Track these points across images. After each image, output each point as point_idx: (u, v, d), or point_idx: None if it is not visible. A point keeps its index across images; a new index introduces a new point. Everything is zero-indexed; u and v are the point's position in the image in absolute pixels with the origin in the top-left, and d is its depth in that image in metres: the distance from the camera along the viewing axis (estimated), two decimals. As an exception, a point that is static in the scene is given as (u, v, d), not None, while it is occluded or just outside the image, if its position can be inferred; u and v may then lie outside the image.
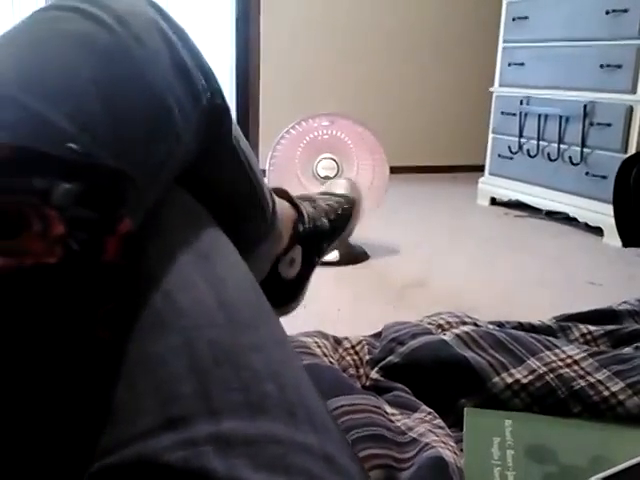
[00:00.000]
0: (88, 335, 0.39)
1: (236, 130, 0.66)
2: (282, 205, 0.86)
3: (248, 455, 0.37)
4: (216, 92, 0.57)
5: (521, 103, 2.63)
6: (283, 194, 0.90)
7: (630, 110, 2.16)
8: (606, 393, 0.83)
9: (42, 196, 0.37)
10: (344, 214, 1.02)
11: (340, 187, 1.10)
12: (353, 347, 1.00)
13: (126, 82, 0.46)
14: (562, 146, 2.45)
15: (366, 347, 0.99)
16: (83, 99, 0.42)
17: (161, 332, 0.42)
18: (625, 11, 2.17)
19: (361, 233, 2.01)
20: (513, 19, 2.67)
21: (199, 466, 0.36)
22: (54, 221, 0.37)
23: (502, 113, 2.74)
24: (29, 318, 0.37)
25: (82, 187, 0.39)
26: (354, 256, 1.94)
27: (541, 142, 2.55)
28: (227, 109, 0.60)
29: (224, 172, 0.66)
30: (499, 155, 2.77)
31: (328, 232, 0.97)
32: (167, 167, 0.50)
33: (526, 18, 2.61)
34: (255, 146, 3.33)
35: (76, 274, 0.38)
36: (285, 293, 0.91)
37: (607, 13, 2.23)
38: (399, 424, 0.77)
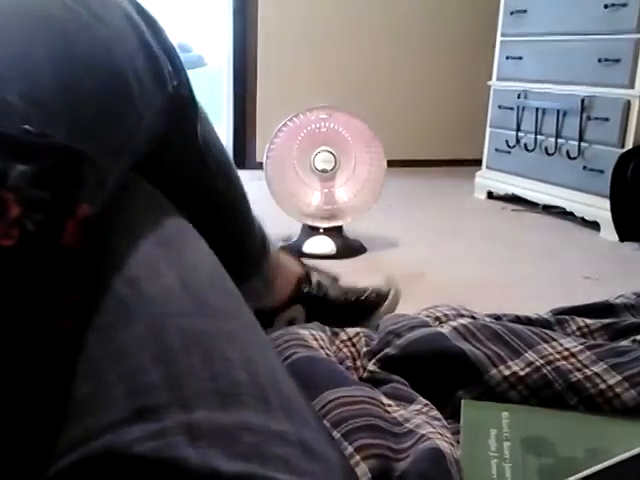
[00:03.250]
0: (50, 324, 0.38)
1: (207, 131, 0.64)
2: (287, 259, 0.84)
3: (221, 444, 0.37)
4: (183, 82, 0.56)
5: (519, 97, 2.63)
6: (293, 256, 0.87)
7: (628, 104, 2.16)
8: (603, 386, 0.83)
9: None
10: (368, 302, 0.98)
11: (376, 282, 1.05)
12: (350, 339, 1.00)
13: (84, 60, 0.45)
14: (559, 140, 2.45)
15: (363, 339, 0.99)
16: (38, 77, 0.41)
17: (127, 321, 0.41)
18: (624, 5, 2.17)
19: (358, 226, 2.01)
20: (511, 13, 2.66)
21: (171, 456, 0.35)
22: (10, 203, 0.36)
23: (500, 107, 2.74)
24: None
25: (37, 167, 0.38)
26: (351, 249, 1.94)
27: (538, 136, 2.54)
28: (194, 102, 0.59)
29: (187, 170, 0.64)
30: (496, 149, 2.77)
31: (342, 310, 0.93)
32: (128, 148, 0.48)
33: (524, 12, 2.60)
34: (252, 139, 3.32)
35: (34, 257, 0.37)
36: None
37: (605, 7, 2.22)
38: (396, 415, 0.77)
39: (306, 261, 0.91)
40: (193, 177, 0.65)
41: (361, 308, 0.99)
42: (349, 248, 1.94)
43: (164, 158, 0.58)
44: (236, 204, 0.72)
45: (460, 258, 1.95)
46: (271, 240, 0.81)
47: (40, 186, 0.37)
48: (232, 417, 0.39)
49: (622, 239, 2.14)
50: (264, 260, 0.78)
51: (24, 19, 0.44)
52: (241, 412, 0.39)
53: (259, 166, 1.94)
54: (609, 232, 2.18)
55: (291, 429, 0.40)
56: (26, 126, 0.38)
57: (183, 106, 0.57)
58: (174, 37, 0.57)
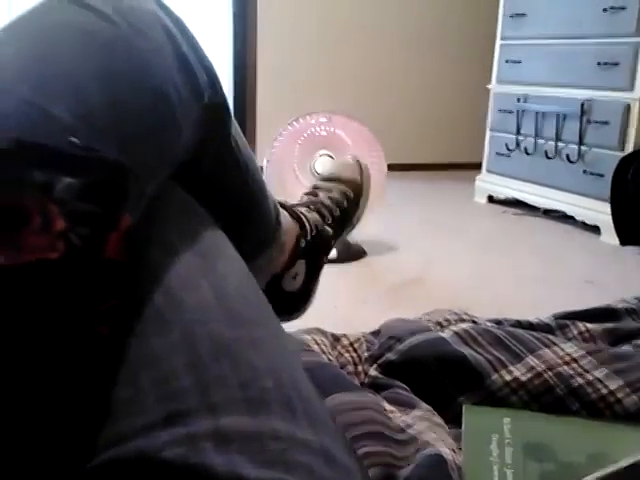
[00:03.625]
0: (87, 331, 0.38)
1: (236, 131, 0.65)
2: (285, 219, 0.85)
3: (248, 451, 0.37)
4: (217, 90, 0.57)
5: (518, 100, 2.63)
6: (284, 207, 0.88)
7: (627, 108, 2.16)
8: (604, 391, 0.83)
9: (43, 190, 0.37)
10: (350, 206, 0.99)
11: (346, 169, 1.05)
12: (351, 344, 1.00)
13: (128, 75, 0.45)
14: (559, 144, 2.45)
15: (364, 344, 0.99)
16: (84, 92, 0.42)
17: (162, 328, 0.42)
18: (623, 8, 2.17)
19: (359, 230, 2.01)
20: (511, 16, 2.67)
21: (198, 462, 0.36)
22: (55, 216, 0.37)
23: (499, 110, 2.74)
24: (29, 313, 0.36)
25: (84, 181, 0.38)
26: (352, 253, 1.94)
27: (538, 140, 2.55)
28: (228, 108, 0.60)
29: (223, 173, 0.65)
30: (496, 153, 2.77)
31: (333, 233, 0.95)
32: (167, 161, 0.49)
33: (524, 15, 2.60)
34: (252, 142, 3.32)
35: (77, 270, 0.38)
36: (289, 304, 0.90)
37: (604, 10, 2.23)
38: (397, 421, 0.77)
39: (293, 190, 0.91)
40: (227, 178, 0.66)
41: (348, 211, 1.00)
42: (350, 252, 1.94)
43: (200, 164, 0.59)
44: (257, 191, 0.74)
45: (461, 262, 1.95)
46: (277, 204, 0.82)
47: (87, 200, 0.38)
48: (260, 424, 0.39)
49: (623, 243, 2.14)
50: (278, 231, 0.79)
51: (69, 33, 0.44)
52: (268, 419, 0.40)
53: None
54: (610, 236, 2.18)
55: (315, 437, 0.41)
56: (72, 138, 0.38)
57: (217, 113, 0.58)
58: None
